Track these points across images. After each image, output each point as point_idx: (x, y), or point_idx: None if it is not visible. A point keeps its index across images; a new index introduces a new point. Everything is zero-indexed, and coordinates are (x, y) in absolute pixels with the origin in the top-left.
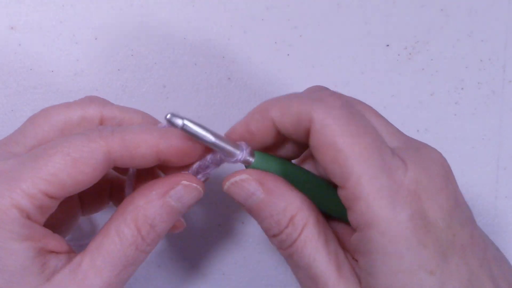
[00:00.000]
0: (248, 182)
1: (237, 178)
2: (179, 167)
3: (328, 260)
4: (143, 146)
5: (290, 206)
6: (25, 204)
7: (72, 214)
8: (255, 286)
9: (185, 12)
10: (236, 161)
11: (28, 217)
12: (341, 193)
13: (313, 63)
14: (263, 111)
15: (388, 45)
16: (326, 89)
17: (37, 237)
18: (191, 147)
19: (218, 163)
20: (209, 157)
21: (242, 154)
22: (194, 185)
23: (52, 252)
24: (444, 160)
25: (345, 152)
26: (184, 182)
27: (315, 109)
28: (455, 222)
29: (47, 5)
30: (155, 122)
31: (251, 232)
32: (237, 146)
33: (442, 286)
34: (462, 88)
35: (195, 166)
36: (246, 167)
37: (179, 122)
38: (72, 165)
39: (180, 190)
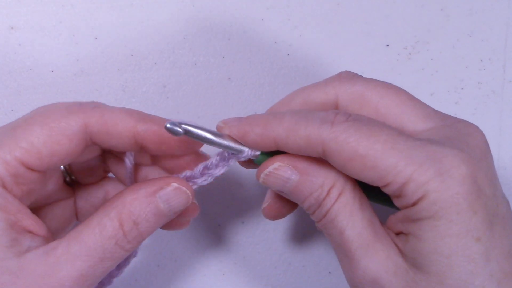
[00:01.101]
0: (282, 168)
1: (270, 168)
2: (182, 166)
3: (361, 225)
4: (120, 125)
5: (327, 180)
6: (0, 170)
7: (66, 216)
8: (255, 286)
9: (185, 12)
10: (245, 157)
11: (3, 185)
12: (385, 190)
13: (313, 63)
14: (266, 128)
15: (388, 45)
16: (353, 76)
17: (11, 209)
18: (168, 136)
19: (226, 161)
20: (215, 157)
21: (250, 150)
22: (184, 189)
23: (27, 231)
24: (481, 133)
25: (370, 155)
26: (175, 184)
27: (324, 132)
28: (498, 192)
29: (47, 5)
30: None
31: (251, 232)
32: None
33: (486, 253)
34: (462, 88)
35: (200, 166)
36: (254, 161)
37: (179, 130)
38: (48, 135)
39: (169, 192)
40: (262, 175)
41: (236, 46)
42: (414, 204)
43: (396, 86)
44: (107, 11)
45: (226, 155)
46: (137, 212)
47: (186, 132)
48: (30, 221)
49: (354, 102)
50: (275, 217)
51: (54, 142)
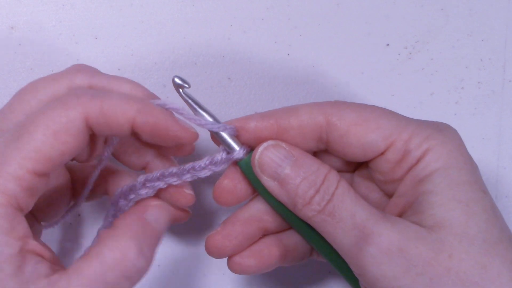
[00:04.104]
0: (280, 146)
1: (270, 142)
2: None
3: (369, 207)
4: (120, 117)
5: (322, 166)
6: (13, 188)
7: (62, 201)
8: (255, 286)
9: (185, 12)
10: (237, 155)
11: (18, 203)
12: (388, 156)
13: (313, 63)
14: (265, 114)
15: (388, 45)
16: None
17: (20, 233)
18: (163, 128)
19: (214, 165)
20: (205, 160)
21: (242, 149)
22: (163, 203)
23: (33, 254)
24: (457, 132)
25: (373, 118)
26: (154, 202)
27: (326, 104)
28: (480, 177)
29: (47, 5)
30: (145, 93)
31: None
32: (237, 142)
33: (493, 208)
34: (462, 88)
35: (187, 166)
36: (239, 163)
37: (186, 84)
38: (53, 137)
39: (155, 212)
40: (260, 149)
41: (236, 46)
42: (419, 160)
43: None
44: (107, 11)
45: (218, 159)
46: (136, 235)
47: (181, 91)
48: (36, 244)
49: None
50: (218, 254)
51: (61, 143)
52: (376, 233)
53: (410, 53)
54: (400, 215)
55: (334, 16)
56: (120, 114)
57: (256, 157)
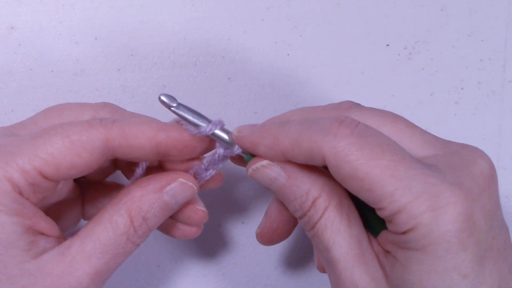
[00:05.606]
0: (270, 167)
1: (258, 164)
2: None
3: (348, 244)
4: (141, 137)
5: (313, 189)
6: (18, 178)
7: (73, 216)
8: (255, 286)
9: (185, 12)
10: (235, 152)
11: (20, 193)
12: (378, 212)
13: (313, 63)
14: (273, 141)
15: (388, 45)
16: (350, 106)
17: (27, 214)
18: (189, 139)
19: (215, 164)
20: (204, 162)
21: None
22: (190, 184)
23: (41, 233)
24: (488, 160)
25: (368, 179)
26: (181, 180)
27: (325, 145)
28: (495, 224)
29: (47, 5)
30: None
31: (251, 232)
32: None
33: None
34: (462, 88)
35: (191, 172)
36: (245, 158)
37: (173, 104)
38: (69, 147)
39: (176, 187)
40: (250, 169)
41: (236, 46)
42: (403, 233)
43: (393, 113)
44: (107, 11)
45: (216, 157)
46: (146, 208)
47: (179, 107)
48: (44, 223)
49: None
50: (268, 242)
51: (75, 155)
52: (342, 281)
53: (410, 53)
54: (388, 252)
55: (334, 16)
56: (141, 135)
57: (248, 173)
